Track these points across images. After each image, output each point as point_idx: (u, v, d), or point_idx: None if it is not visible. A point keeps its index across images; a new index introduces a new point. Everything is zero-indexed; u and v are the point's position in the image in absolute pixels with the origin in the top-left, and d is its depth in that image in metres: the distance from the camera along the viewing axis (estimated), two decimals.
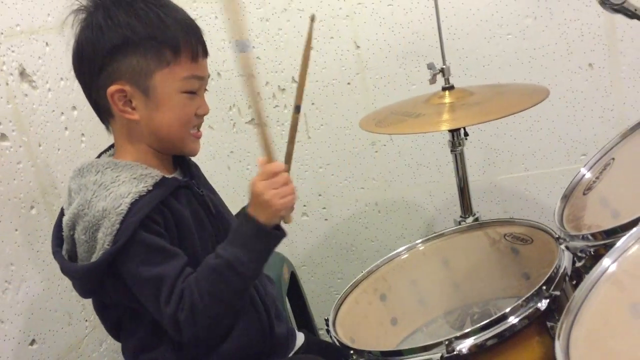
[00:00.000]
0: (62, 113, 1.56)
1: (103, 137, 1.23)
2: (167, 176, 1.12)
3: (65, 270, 1.11)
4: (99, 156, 1.19)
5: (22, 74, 1.45)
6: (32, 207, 1.42)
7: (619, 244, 0.82)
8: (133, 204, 1.02)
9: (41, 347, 1.39)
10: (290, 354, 1.27)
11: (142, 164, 1.11)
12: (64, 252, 1.11)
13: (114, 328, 1.17)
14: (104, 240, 1.01)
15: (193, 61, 1.09)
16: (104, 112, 1.13)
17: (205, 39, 1.14)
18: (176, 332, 1.04)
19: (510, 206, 1.95)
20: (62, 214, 1.13)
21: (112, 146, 1.19)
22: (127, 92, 1.06)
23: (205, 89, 1.16)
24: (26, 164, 1.42)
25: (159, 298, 1.02)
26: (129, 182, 1.04)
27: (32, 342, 1.37)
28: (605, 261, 0.82)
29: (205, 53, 1.12)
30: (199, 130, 1.16)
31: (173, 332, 1.05)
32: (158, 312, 1.04)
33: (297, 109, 1.16)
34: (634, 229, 0.84)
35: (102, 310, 1.16)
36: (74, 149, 1.59)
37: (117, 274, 1.05)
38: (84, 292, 1.13)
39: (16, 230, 1.36)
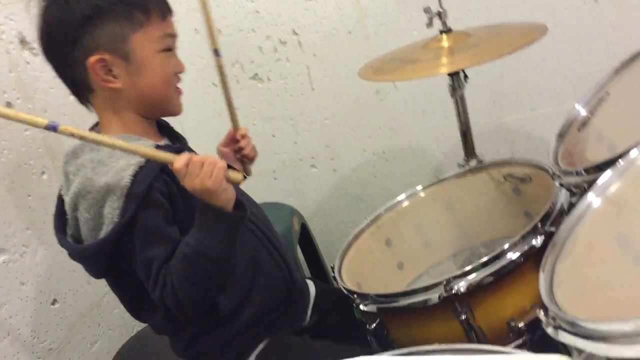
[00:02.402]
0: None
1: None
2: (159, 144, 1.13)
3: (74, 254, 1.11)
4: None
5: (22, 41, 1.47)
6: (43, 173, 1.46)
7: (603, 178, 0.83)
8: (135, 176, 1.02)
9: (63, 306, 1.45)
10: (309, 306, 1.31)
11: (132, 134, 1.11)
12: (68, 238, 1.12)
13: (133, 307, 1.19)
14: (112, 214, 1.02)
15: (163, 19, 1.09)
16: (83, 89, 1.12)
17: None
18: (169, 312, 1.07)
19: (518, 147, 1.94)
20: (60, 199, 1.14)
21: (93, 127, 1.18)
22: (107, 61, 1.06)
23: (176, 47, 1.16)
24: (34, 131, 1.45)
25: (149, 281, 1.05)
26: (126, 155, 1.04)
27: (54, 301, 1.44)
28: (590, 195, 0.82)
29: (170, 10, 1.12)
30: (178, 87, 1.17)
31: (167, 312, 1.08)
32: (151, 293, 1.06)
33: (216, 52, 1.18)
34: (619, 163, 0.84)
35: (119, 290, 1.17)
36: (79, 114, 1.59)
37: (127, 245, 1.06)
38: (96, 271, 1.14)
39: (29, 195, 1.41)
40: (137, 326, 1.69)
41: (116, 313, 1.63)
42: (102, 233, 1.03)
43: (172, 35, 1.12)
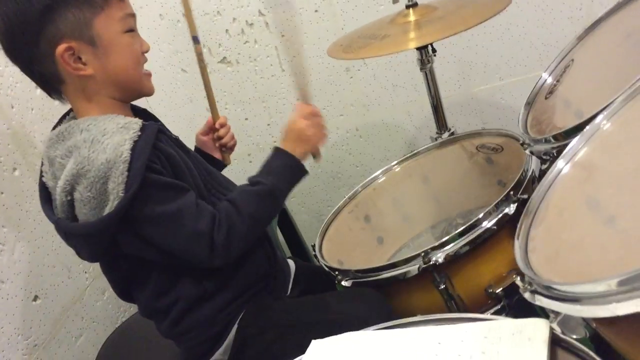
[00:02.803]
0: None
1: None
2: (144, 122, 1.12)
3: (74, 232, 1.08)
4: (53, 128, 1.15)
5: None
6: (14, 169, 1.44)
7: (570, 145, 0.85)
8: (133, 150, 1.02)
9: (45, 302, 1.45)
10: (289, 282, 1.33)
11: (111, 114, 1.10)
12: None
13: (124, 288, 1.19)
14: (117, 189, 1.01)
15: (121, 0, 1.09)
16: (52, 82, 1.10)
17: None
18: (209, 254, 1.07)
19: (488, 117, 1.97)
20: (43, 187, 1.12)
21: (65, 115, 1.18)
22: (75, 48, 1.04)
23: None
24: (2, 127, 1.43)
25: (184, 229, 1.05)
26: (118, 132, 1.04)
27: (35, 298, 1.43)
28: (560, 162, 0.85)
29: None
30: (146, 69, 1.17)
31: (205, 256, 1.07)
32: (186, 243, 1.06)
33: (195, 39, 1.23)
34: (586, 129, 0.86)
35: (110, 271, 1.18)
36: (47, 107, 1.60)
37: (132, 222, 1.05)
38: (93, 252, 1.12)
39: (2, 193, 1.39)
40: (122, 317, 1.70)
41: (99, 305, 1.63)
42: (107, 209, 1.02)
43: (132, 15, 1.12)
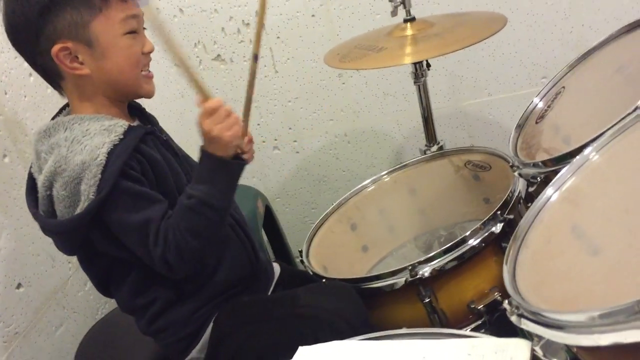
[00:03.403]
0: None
1: None
2: (132, 124, 1.14)
3: (48, 228, 1.12)
4: (52, 119, 1.17)
5: None
6: (4, 156, 1.44)
7: (560, 174, 0.89)
8: (110, 153, 1.04)
9: (27, 290, 1.45)
10: (271, 285, 1.35)
11: (105, 115, 1.12)
12: (41, 213, 1.12)
13: (103, 283, 1.21)
14: (87, 191, 1.03)
15: (124, 1, 1.08)
16: (53, 76, 1.12)
17: None
18: (168, 271, 1.09)
19: (475, 131, 2.01)
20: (30, 178, 1.14)
21: (64, 108, 1.19)
22: (71, 49, 1.06)
23: (144, 27, 1.16)
24: None
25: (147, 242, 1.07)
26: (99, 134, 1.06)
27: (19, 285, 1.43)
28: (549, 190, 0.88)
29: None
30: (149, 70, 1.17)
31: (165, 272, 1.10)
32: (148, 255, 1.09)
33: (255, 57, 1.16)
34: (575, 159, 0.90)
35: (89, 267, 1.19)
36: (40, 95, 1.59)
37: (103, 223, 1.08)
38: (68, 248, 1.15)
39: None
40: (102, 308, 1.70)
41: (80, 296, 1.63)
42: (79, 209, 1.05)
43: (136, 16, 1.11)
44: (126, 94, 1.16)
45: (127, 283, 1.17)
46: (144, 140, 1.13)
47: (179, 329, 1.20)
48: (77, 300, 1.62)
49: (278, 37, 1.95)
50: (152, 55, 1.16)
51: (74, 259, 1.60)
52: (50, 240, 1.52)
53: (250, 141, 1.31)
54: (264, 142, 2.09)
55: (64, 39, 1.05)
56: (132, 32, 1.10)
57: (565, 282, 0.73)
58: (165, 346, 1.24)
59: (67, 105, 1.19)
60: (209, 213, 1.07)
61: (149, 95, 1.18)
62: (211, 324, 1.21)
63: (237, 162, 1.11)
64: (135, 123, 1.20)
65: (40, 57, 1.08)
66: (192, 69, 1.08)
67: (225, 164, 1.09)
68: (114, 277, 1.18)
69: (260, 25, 1.14)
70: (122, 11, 1.08)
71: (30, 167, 1.15)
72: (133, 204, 1.06)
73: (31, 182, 1.14)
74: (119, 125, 1.09)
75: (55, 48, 1.05)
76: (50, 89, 1.59)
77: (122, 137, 1.07)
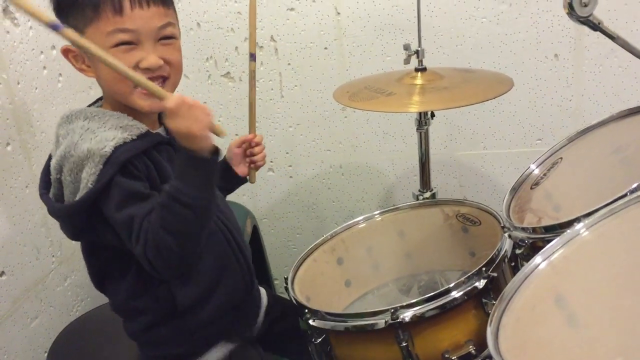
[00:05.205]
0: (42, 52, 1.57)
1: (80, 78, 1.22)
2: (151, 130, 1.16)
3: (52, 211, 1.14)
4: (88, 107, 1.20)
5: (5, 10, 1.45)
6: (7, 144, 1.45)
7: (550, 244, 0.93)
8: (117, 148, 1.05)
9: (9, 279, 1.45)
10: (261, 312, 1.36)
11: (129, 115, 1.14)
12: (50, 196, 1.14)
13: (99, 275, 1.21)
14: (87, 180, 1.04)
15: (117, 14, 1.06)
16: None
17: None
18: (151, 269, 1.08)
19: (466, 181, 2.06)
20: (49, 159, 1.15)
21: (100, 99, 1.22)
22: (77, 52, 1.11)
23: (170, 37, 1.13)
24: (4, 101, 1.44)
25: (131, 238, 1.06)
26: (114, 129, 1.08)
27: (2, 273, 1.43)
28: (537, 259, 0.92)
29: (139, 3, 1.08)
30: (164, 83, 1.14)
31: (150, 270, 1.09)
32: (133, 250, 1.08)
33: (252, 57, 1.26)
34: (566, 232, 0.94)
35: (89, 256, 1.19)
36: (51, 89, 1.61)
37: (100, 213, 1.08)
38: (72, 232, 1.15)
39: None
40: (78, 306, 1.70)
41: (59, 291, 1.64)
42: (78, 196, 1.06)
43: (129, 30, 1.08)
44: (124, 104, 1.15)
45: (124, 283, 1.17)
46: (158, 149, 1.14)
47: (169, 347, 1.21)
48: (56, 295, 1.62)
49: (289, 64, 1.99)
50: None
51: (58, 253, 1.62)
52: (38, 232, 1.55)
53: (259, 144, 1.35)
54: None
55: None
56: (125, 43, 1.08)
57: (546, 351, 0.77)
58: (148, 358, 1.24)
59: (99, 99, 1.22)
60: (179, 209, 1.03)
61: (145, 111, 1.15)
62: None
63: (209, 157, 1.06)
64: (159, 130, 1.22)
65: None
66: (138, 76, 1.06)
67: (195, 159, 1.04)
68: (113, 273, 1.18)
69: (253, 27, 1.26)
70: (112, 24, 1.06)
71: (52, 149, 1.16)
72: (124, 200, 1.06)
73: (49, 163, 1.15)
74: (137, 127, 1.11)
75: (62, 49, 1.10)
76: (61, 84, 1.64)
77: (135, 137, 1.09)
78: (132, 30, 1.08)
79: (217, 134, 1.07)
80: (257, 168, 1.39)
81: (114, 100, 1.16)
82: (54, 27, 0.96)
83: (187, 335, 1.20)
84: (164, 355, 1.22)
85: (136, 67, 1.09)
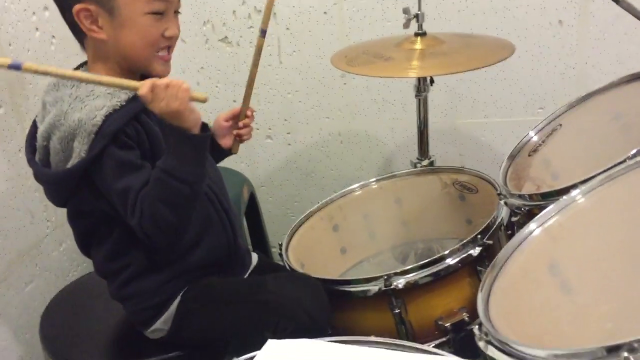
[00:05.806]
0: (34, 13, 1.54)
1: (73, 40, 1.21)
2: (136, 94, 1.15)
3: (39, 176, 1.15)
4: None
5: None
6: (0, 107, 1.43)
7: (545, 210, 0.91)
8: (107, 117, 1.06)
9: (3, 242, 1.45)
10: (247, 273, 1.36)
11: None
12: (37, 161, 1.15)
13: (85, 241, 1.23)
14: (80, 149, 1.06)
15: None
16: (77, 31, 1.14)
17: None
18: (147, 238, 1.11)
19: (465, 150, 2.03)
20: (34, 125, 1.17)
21: (83, 64, 1.21)
22: (92, 11, 1.09)
23: (178, 11, 1.17)
24: None
25: (126, 209, 1.09)
26: (103, 96, 1.08)
27: None
28: (532, 225, 0.91)
29: None
30: (169, 52, 1.18)
31: (145, 239, 1.12)
32: (129, 220, 1.11)
33: (263, 33, 1.21)
34: (562, 198, 0.92)
35: (75, 220, 1.21)
36: (43, 51, 1.59)
37: (92, 181, 1.11)
38: (57, 198, 1.18)
39: None
40: (74, 271, 1.70)
41: (54, 256, 1.64)
42: (69, 164, 1.08)
43: (165, 0, 1.12)
44: (137, 68, 1.17)
45: (106, 244, 1.19)
46: (147, 112, 1.13)
47: (147, 298, 1.22)
48: (51, 259, 1.62)
49: (287, 29, 1.96)
50: None
51: (53, 217, 1.62)
52: (32, 196, 1.54)
53: (250, 117, 1.33)
54: (257, 129, 2.10)
55: (88, 0, 1.08)
56: (157, 13, 1.12)
57: (537, 316, 0.76)
58: (131, 313, 1.26)
59: (85, 62, 1.21)
60: (174, 183, 1.08)
61: (161, 76, 1.16)
62: (179, 298, 1.23)
63: (200, 134, 1.10)
64: None
65: (68, 10, 1.10)
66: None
67: (186, 137, 1.08)
68: (96, 236, 1.20)
69: (271, 2, 1.20)
70: None
71: (37, 115, 1.18)
72: (117, 170, 1.08)
73: (34, 129, 1.17)
74: (124, 92, 1.11)
75: (77, 7, 1.08)
76: (54, 46, 1.61)
77: (123, 103, 1.09)
78: (169, 1, 1.13)
79: (200, 100, 1.09)
80: (242, 141, 1.37)
81: (112, 64, 1.15)
82: (15, 67, 0.97)
83: (163, 285, 1.21)
84: (145, 308, 1.22)
85: (162, 35, 1.13)
